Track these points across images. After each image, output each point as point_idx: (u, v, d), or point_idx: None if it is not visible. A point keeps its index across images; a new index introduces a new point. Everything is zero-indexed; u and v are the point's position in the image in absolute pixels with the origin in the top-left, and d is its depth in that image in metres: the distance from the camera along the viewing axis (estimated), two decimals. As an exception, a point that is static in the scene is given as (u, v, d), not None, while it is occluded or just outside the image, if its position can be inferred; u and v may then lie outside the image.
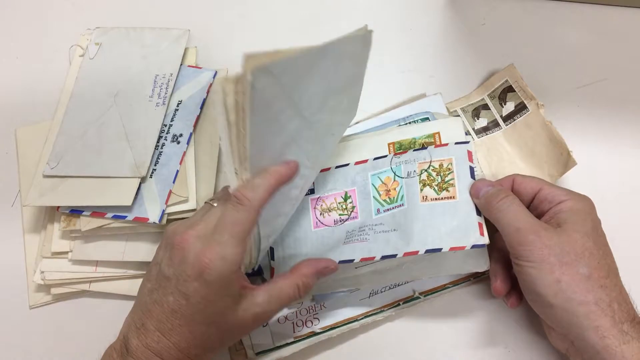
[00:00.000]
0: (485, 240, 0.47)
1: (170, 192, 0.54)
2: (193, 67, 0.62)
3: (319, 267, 0.47)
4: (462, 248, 0.47)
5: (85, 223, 0.53)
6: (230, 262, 0.41)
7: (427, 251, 0.48)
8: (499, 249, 0.51)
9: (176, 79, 0.60)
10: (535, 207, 0.49)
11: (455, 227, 0.48)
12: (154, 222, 0.53)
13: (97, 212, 0.53)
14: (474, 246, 0.47)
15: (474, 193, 0.49)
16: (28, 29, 0.70)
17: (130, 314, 0.45)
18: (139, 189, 0.54)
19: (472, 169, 0.51)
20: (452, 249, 0.48)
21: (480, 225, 0.48)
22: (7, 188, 0.59)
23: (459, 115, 0.61)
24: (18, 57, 0.68)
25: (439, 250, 0.48)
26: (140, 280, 0.54)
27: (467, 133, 0.59)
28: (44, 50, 0.68)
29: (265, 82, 0.35)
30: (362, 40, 0.44)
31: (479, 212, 0.49)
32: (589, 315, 0.43)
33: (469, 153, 0.51)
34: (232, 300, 0.42)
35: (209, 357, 0.45)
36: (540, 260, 0.44)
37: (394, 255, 0.49)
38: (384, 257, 0.49)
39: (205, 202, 0.47)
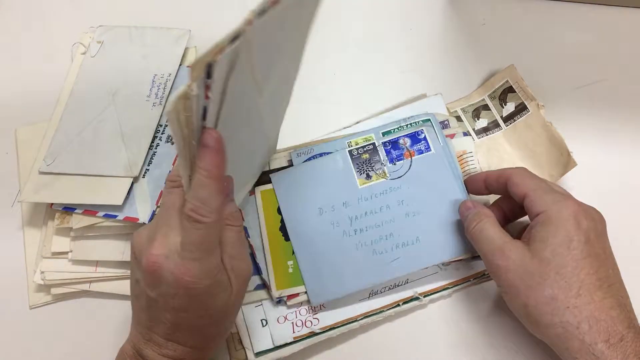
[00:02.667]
0: None
1: (162, 192, 0.54)
2: (193, 67, 0.62)
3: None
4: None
5: (77, 221, 0.53)
6: (212, 272, 0.40)
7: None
8: None
9: (174, 79, 0.60)
10: (527, 212, 0.48)
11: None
12: (143, 223, 0.52)
13: (89, 210, 0.53)
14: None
15: (461, 215, 0.51)
16: (28, 28, 0.70)
17: (134, 324, 0.44)
18: (131, 188, 0.54)
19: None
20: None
21: None
22: (7, 188, 0.59)
23: (458, 116, 0.61)
24: (18, 57, 0.68)
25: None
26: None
27: (467, 134, 0.59)
28: (44, 51, 0.68)
29: (210, 81, 0.34)
30: None
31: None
32: (558, 337, 0.42)
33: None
34: (225, 293, 0.42)
35: (227, 335, 0.46)
36: (507, 285, 0.44)
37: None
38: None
39: (158, 206, 0.46)
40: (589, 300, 0.42)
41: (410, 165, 0.53)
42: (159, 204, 0.53)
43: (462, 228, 0.51)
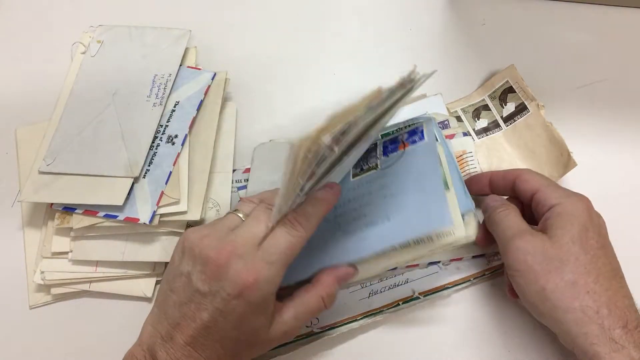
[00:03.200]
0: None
1: (162, 193, 0.54)
2: (192, 67, 0.62)
3: (339, 275, 0.47)
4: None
5: (78, 221, 0.53)
6: (273, 283, 0.42)
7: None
8: None
9: (175, 80, 0.60)
10: (534, 209, 0.49)
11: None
12: (144, 223, 0.52)
13: (89, 210, 0.53)
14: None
15: (483, 209, 0.51)
16: (28, 28, 0.70)
17: (152, 323, 0.44)
18: (131, 189, 0.54)
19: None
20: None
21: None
22: (7, 188, 0.59)
23: (458, 116, 0.61)
24: (18, 56, 0.68)
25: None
26: (140, 280, 0.55)
27: (467, 134, 0.59)
28: (44, 50, 0.68)
29: (342, 138, 0.38)
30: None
31: None
32: (576, 322, 0.42)
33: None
34: (266, 318, 0.43)
35: None
36: (524, 269, 0.44)
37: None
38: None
39: (230, 213, 0.47)
40: (607, 287, 0.43)
41: (402, 155, 0.52)
42: (159, 204, 0.53)
43: (429, 208, 0.48)
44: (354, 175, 0.53)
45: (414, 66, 0.41)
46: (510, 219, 0.48)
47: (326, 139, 0.36)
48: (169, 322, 0.43)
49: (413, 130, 0.52)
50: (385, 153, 0.53)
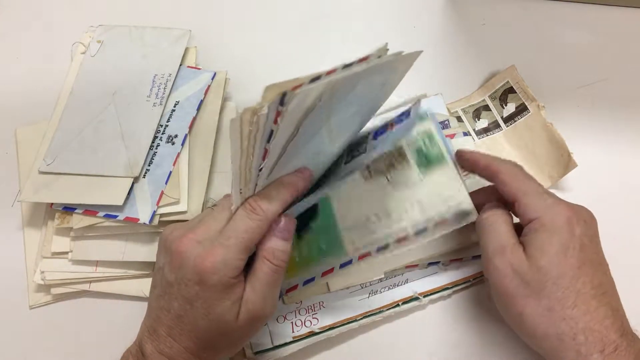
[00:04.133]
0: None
1: (162, 193, 0.54)
2: (192, 67, 0.62)
3: (276, 227, 0.44)
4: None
5: (78, 221, 0.53)
6: (231, 267, 0.41)
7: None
8: None
9: (175, 80, 0.60)
10: (516, 216, 0.46)
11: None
12: (144, 223, 0.52)
13: (89, 210, 0.53)
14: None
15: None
16: (28, 28, 0.70)
17: (144, 318, 0.45)
18: (131, 188, 0.54)
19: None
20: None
21: None
22: (7, 188, 0.59)
23: (459, 116, 0.61)
24: (18, 56, 0.68)
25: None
26: (140, 280, 0.55)
27: (468, 134, 0.59)
28: (44, 50, 0.68)
29: (282, 109, 0.37)
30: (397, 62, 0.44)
31: None
32: (554, 349, 0.41)
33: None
34: (231, 303, 0.42)
35: (220, 357, 0.45)
36: (502, 293, 0.43)
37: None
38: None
39: (208, 208, 0.47)
40: (585, 310, 0.41)
41: (388, 136, 0.51)
42: (159, 204, 0.53)
43: None
44: (346, 163, 0.53)
45: (385, 44, 0.41)
46: (494, 230, 0.45)
47: (263, 109, 0.35)
48: (151, 315, 0.44)
49: (402, 112, 0.52)
50: (375, 137, 0.52)
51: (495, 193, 0.47)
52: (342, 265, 0.50)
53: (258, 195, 0.43)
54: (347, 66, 0.38)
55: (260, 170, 0.41)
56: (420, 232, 0.46)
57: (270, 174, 0.44)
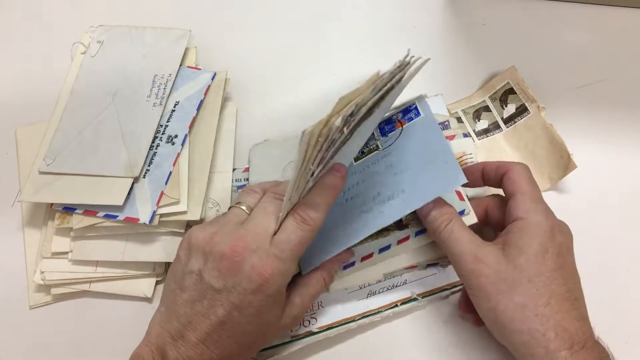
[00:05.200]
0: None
1: (162, 193, 0.54)
2: (192, 67, 0.62)
3: (339, 256, 0.49)
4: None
5: (78, 221, 0.53)
6: (287, 277, 0.43)
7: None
8: None
9: (175, 80, 0.60)
10: (506, 212, 0.48)
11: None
12: (144, 223, 0.52)
13: (89, 210, 0.53)
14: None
15: (422, 215, 0.49)
16: (28, 28, 0.70)
17: (159, 322, 0.44)
18: (131, 189, 0.54)
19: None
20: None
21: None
22: (7, 188, 0.59)
23: (459, 117, 0.61)
24: (18, 56, 0.68)
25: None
26: (140, 280, 0.55)
27: (468, 135, 0.59)
28: (44, 50, 0.68)
29: (350, 119, 0.39)
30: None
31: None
32: (524, 344, 0.42)
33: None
34: (280, 309, 0.44)
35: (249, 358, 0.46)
36: (477, 289, 0.44)
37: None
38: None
39: (233, 206, 0.47)
40: (557, 309, 0.42)
41: (401, 133, 0.52)
42: (159, 204, 0.53)
43: (443, 171, 0.48)
44: (356, 160, 0.54)
45: (408, 50, 0.43)
46: (455, 236, 0.46)
47: (337, 121, 0.37)
48: (180, 320, 0.42)
49: (406, 109, 0.53)
50: (383, 134, 0.53)
51: (477, 174, 0.51)
52: (345, 267, 0.51)
53: (305, 204, 0.44)
54: (395, 79, 0.42)
55: (312, 175, 0.41)
56: (419, 233, 0.49)
57: None
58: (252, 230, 0.43)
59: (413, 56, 0.43)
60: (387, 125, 0.53)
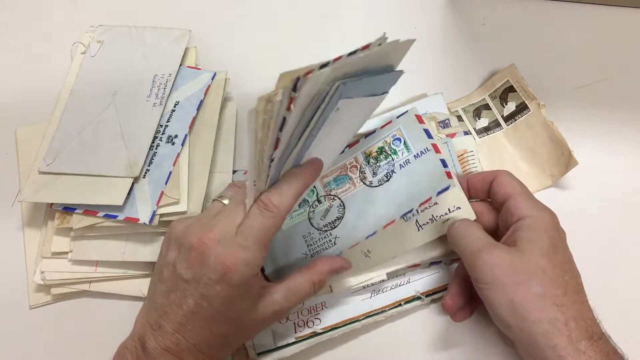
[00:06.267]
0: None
1: (162, 193, 0.54)
2: (192, 67, 0.61)
3: (334, 266, 0.48)
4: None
5: (78, 221, 0.53)
6: (252, 266, 0.42)
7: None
8: (463, 265, 0.50)
9: (175, 80, 0.60)
10: (503, 215, 0.49)
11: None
12: (144, 223, 0.52)
13: (89, 210, 0.53)
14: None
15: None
16: (28, 28, 0.70)
17: (142, 315, 0.45)
18: (131, 189, 0.54)
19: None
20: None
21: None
22: (7, 188, 0.59)
23: (459, 115, 0.61)
24: (18, 57, 0.68)
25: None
26: (140, 280, 0.55)
27: (468, 133, 0.59)
28: (44, 50, 0.68)
29: (295, 94, 0.37)
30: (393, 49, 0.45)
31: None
32: (544, 334, 0.42)
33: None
34: (252, 300, 0.43)
35: (228, 353, 0.46)
36: (492, 281, 0.44)
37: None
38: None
39: (214, 200, 0.47)
40: (574, 299, 0.43)
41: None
42: (159, 204, 0.53)
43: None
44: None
45: (384, 33, 0.41)
46: (473, 232, 0.48)
47: (278, 95, 0.36)
48: (157, 311, 0.43)
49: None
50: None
51: (462, 186, 0.52)
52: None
53: (270, 190, 0.43)
54: (351, 53, 0.39)
55: (272, 160, 0.41)
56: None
57: (284, 167, 0.44)
58: (221, 221, 0.43)
59: (387, 37, 0.42)
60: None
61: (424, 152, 0.53)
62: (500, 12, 0.68)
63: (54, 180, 0.54)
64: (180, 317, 0.42)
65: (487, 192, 0.51)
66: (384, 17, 0.69)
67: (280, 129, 0.39)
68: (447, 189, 0.50)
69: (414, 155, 0.53)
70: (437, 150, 0.52)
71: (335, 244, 0.53)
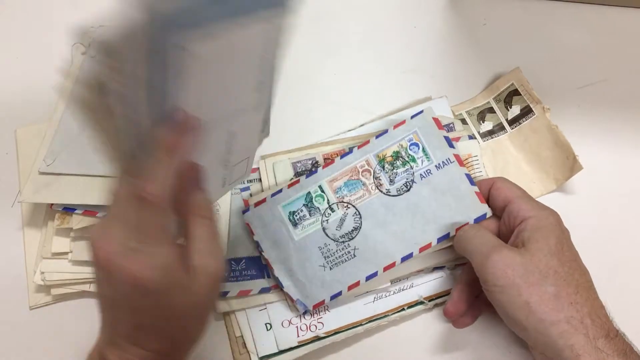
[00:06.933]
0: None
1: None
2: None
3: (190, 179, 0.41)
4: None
5: (77, 221, 0.53)
6: (163, 266, 0.37)
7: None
8: (467, 271, 0.51)
9: (173, 80, 0.60)
10: (505, 220, 0.49)
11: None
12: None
13: (89, 210, 0.53)
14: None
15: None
16: (28, 28, 0.69)
17: (101, 326, 0.41)
18: (129, 189, 0.54)
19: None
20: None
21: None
22: (7, 189, 0.59)
23: (463, 118, 0.60)
24: (18, 56, 0.67)
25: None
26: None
27: (473, 137, 0.58)
28: (44, 51, 0.67)
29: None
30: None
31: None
32: (562, 334, 0.42)
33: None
34: (178, 288, 0.38)
35: (196, 342, 0.42)
36: (505, 283, 0.44)
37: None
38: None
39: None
40: (587, 297, 0.43)
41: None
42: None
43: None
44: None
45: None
46: (482, 234, 0.48)
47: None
48: (107, 326, 0.40)
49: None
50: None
51: None
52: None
53: (144, 177, 0.36)
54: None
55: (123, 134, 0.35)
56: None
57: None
58: (113, 227, 0.37)
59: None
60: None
61: (446, 163, 0.52)
62: (501, 13, 0.68)
63: (54, 181, 0.54)
64: (128, 330, 0.38)
65: (486, 200, 0.51)
66: (384, 17, 0.69)
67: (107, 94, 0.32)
68: (484, 216, 0.51)
69: (436, 166, 0.53)
70: (460, 163, 0.52)
71: (355, 255, 0.52)
